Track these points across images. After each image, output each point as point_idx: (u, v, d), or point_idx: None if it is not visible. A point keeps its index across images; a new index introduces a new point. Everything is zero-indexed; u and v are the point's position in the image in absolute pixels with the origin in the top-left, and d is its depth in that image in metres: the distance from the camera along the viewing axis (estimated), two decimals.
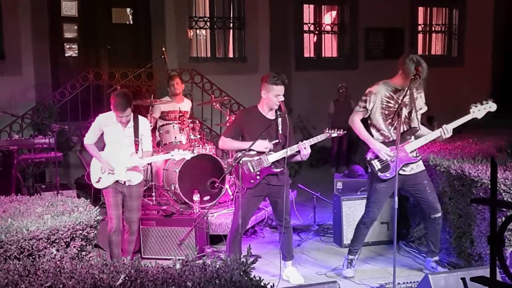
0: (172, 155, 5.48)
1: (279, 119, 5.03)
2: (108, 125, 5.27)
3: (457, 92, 12.16)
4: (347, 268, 5.42)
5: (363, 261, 5.73)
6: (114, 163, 5.24)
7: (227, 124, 7.05)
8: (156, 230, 5.99)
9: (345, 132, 5.21)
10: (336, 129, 5.04)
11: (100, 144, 5.44)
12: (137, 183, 5.35)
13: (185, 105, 7.59)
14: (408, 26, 12.74)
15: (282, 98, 4.93)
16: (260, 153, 4.98)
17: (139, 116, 5.39)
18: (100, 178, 5.31)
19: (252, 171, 4.99)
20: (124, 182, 5.27)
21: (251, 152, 4.98)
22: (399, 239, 6.12)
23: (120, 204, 5.35)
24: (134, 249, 5.71)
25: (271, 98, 4.93)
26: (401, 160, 5.02)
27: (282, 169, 5.03)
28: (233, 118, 6.33)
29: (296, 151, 4.97)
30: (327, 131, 5.06)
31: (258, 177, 5.00)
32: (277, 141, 5.01)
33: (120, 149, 5.27)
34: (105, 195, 5.41)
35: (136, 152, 5.30)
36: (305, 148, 4.91)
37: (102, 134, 5.36)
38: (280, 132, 5.03)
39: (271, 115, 5.05)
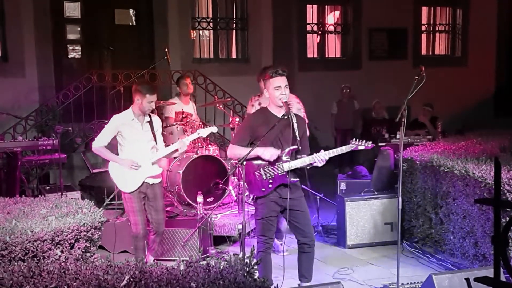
0: (198, 134, 5.59)
1: (295, 124, 4.50)
2: (126, 124, 5.19)
3: (461, 92, 12.15)
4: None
5: (367, 261, 5.72)
6: (139, 161, 5.19)
7: (230, 126, 7.05)
8: None
9: (374, 145, 4.70)
10: (364, 141, 4.49)
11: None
12: (159, 182, 5.35)
13: (190, 107, 7.61)
14: (411, 26, 12.71)
15: (286, 98, 4.46)
16: (271, 161, 4.48)
17: (151, 114, 5.38)
18: (127, 181, 5.19)
19: (264, 178, 4.47)
20: (149, 181, 5.22)
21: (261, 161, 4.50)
22: (403, 239, 6.12)
23: (144, 209, 5.30)
24: None
25: (272, 93, 4.47)
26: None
27: (297, 179, 4.57)
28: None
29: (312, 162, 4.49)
30: (353, 142, 4.50)
31: (270, 185, 4.46)
32: (295, 147, 4.50)
33: (141, 145, 5.24)
34: (128, 201, 5.19)
35: (155, 145, 5.31)
36: (321, 160, 4.43)
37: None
38: (298, 138, 4.50)
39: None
